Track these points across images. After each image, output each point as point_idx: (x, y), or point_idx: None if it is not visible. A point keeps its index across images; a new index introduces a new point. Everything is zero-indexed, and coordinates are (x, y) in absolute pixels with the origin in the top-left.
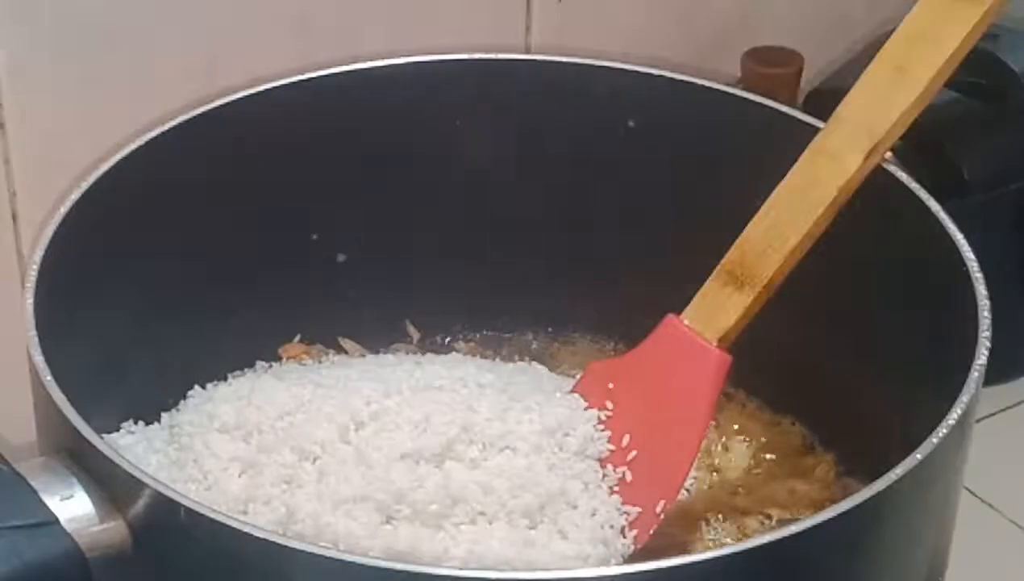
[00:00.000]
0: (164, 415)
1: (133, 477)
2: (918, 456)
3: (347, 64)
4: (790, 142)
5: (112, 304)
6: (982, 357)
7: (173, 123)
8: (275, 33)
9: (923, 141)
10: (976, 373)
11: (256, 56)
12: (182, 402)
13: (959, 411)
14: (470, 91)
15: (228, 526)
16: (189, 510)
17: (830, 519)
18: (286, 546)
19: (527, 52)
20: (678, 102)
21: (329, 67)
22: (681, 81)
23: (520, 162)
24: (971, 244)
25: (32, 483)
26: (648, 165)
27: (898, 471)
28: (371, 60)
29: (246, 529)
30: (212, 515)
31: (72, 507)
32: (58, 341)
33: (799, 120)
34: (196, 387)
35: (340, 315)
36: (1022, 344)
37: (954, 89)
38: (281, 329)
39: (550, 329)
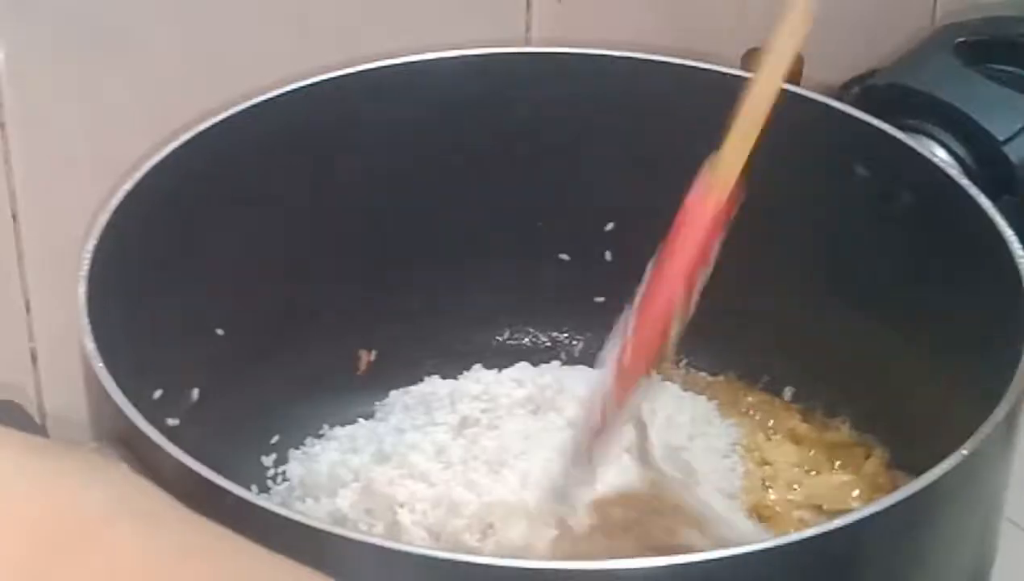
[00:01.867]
0: None
1: (183, 465)
2: (964, 452)
3: (360, 63)
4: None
5: (162, 299)
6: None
7: (224, 115)
8: (275, 32)
9: (976, 138)
10: (1022, 369)
11: (257, 55)
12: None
13: (1005, 408)
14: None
15: (278, 515)
16: (238, 498)
17: (876, 512)
18: (334, 534)
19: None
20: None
21: (331, 68)
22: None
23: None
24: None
25: None
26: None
27: (944, 466)
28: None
29: (295, 518)
30: (261, 503)
31: None
32: (108, 330)
33: (802, 96)
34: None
35: None
36: None
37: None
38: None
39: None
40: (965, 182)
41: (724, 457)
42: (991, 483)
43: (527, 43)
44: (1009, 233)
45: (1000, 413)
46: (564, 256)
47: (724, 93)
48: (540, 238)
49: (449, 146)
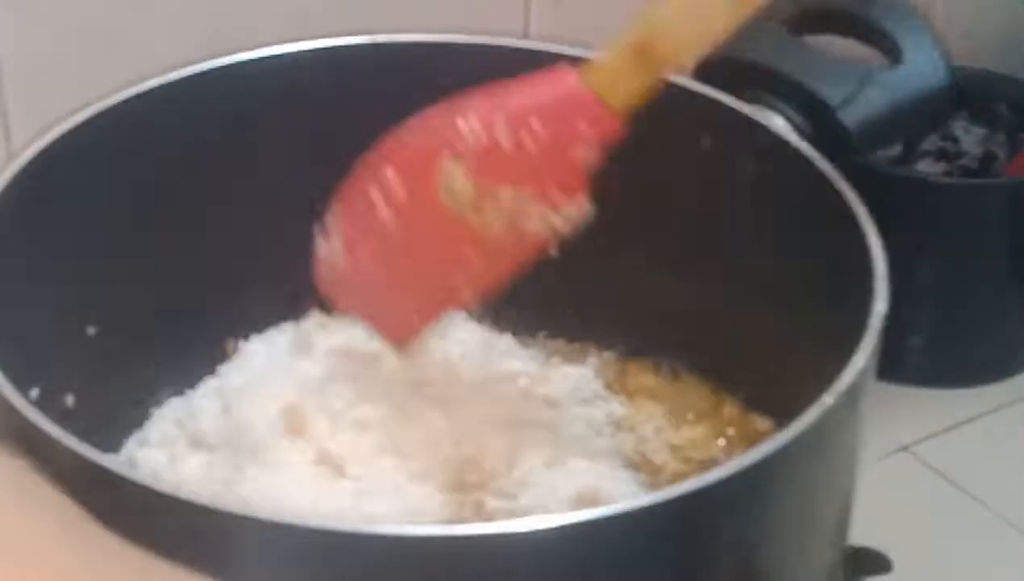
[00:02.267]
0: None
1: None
2: (828, 400)
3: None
4: None
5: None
6: (877, 316)
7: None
8: (276, 32)
9: (811, 105)
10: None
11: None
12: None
13: (862, 359)
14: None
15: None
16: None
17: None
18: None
19: None
20: None
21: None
22: None
23: None
24: (962, 242)
25: None
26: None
27: (809, 415)
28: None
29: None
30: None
31: None
32: None
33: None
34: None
35: None
36: (1015, 343)
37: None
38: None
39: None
40: (803, 146)
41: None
42: (848, 435)
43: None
44: (846, 189)
45: (858, 363)
46: None
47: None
48: None
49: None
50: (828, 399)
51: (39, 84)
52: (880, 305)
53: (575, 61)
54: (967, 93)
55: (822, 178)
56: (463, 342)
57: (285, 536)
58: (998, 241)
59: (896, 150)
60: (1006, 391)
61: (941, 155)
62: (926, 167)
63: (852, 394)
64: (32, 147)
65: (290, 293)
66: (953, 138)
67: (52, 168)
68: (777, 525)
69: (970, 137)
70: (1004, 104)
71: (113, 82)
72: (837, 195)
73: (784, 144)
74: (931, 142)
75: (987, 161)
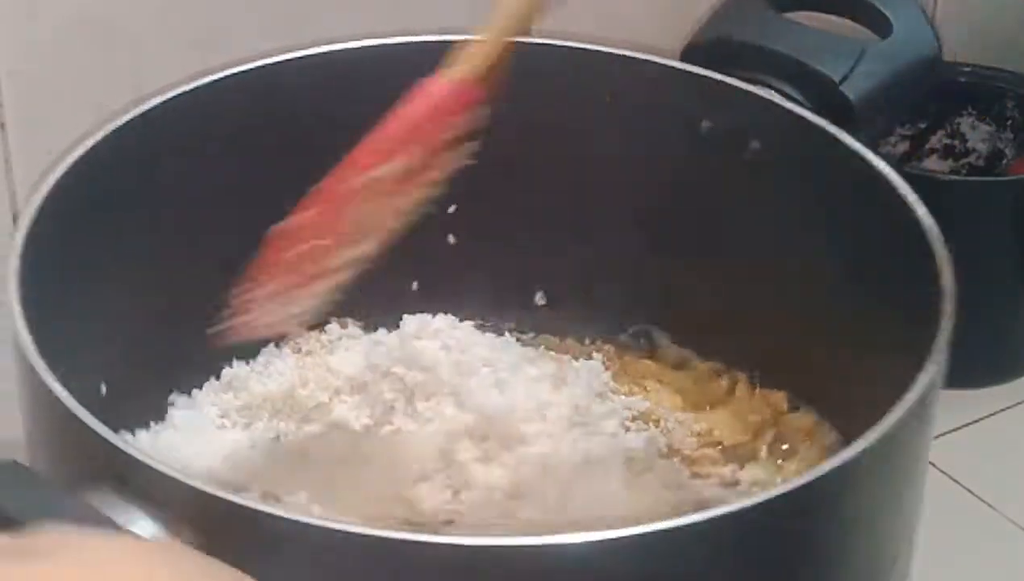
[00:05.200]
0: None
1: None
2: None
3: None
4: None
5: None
6: (944, 334)
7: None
8: (276, 32)
9: (812, 82)
10: (939, 349)
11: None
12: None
13: (915, 395)
14: None
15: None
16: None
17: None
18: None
19: None
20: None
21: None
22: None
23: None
24: (968, 240)
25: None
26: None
27: (842, 457)
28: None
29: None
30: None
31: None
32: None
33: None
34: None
35: None
36: (1020, 344)
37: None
38: None
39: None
40: (815, 118)
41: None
42: (898, 475)
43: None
44: (864, 150)
45: (911, 398)
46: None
47: (715, 93)
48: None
49: None
50: (898, 411)
51: (39, 84)
52: (949, 311)
53: (571, 55)
54: (974, 91)
55: (834, 143)
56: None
57: None
58: (1005, 239)
59: (903, 147)
60: (1013, 392)
61: (948, 152)
62: (933, 164)
63: (924, 403)
64: (81, 146)
65: None
66: (960, 136)
67: (100, 166)
68: (846, 536)
69: (977, 134)
70: (1011, 102)
71: (113, 82)
72: (853, 153)
73: (794, 117)
74: (938, 139)
75: (994, 159)
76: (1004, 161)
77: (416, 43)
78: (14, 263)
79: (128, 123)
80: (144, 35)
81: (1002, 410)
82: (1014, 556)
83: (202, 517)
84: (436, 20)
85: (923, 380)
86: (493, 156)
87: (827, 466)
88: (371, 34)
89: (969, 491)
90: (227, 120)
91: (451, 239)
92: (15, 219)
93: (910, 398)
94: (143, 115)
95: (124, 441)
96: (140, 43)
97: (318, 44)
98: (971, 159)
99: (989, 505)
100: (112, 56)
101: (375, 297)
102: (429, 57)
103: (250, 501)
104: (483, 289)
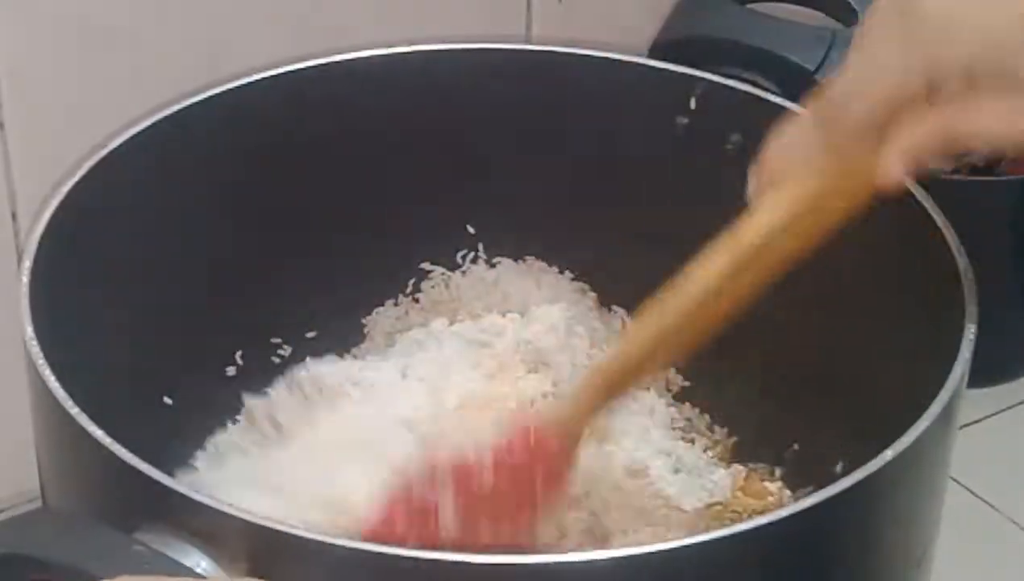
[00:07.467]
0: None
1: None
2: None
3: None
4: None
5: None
6: (966, 353)
7: (169, 110)
8: (276, 32)
9: (788, 73)
10: (959, 368)
11: (257, 54)
12: None
13: (937, 408)
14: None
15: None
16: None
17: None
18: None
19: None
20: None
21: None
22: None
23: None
24: (968, 240)
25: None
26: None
27: (860, 473)
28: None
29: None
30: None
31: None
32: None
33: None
34: None
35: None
36: (1021, 345)
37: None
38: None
39: None
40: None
41: None
42: (919, 486)
43: (527, 42)
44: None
45: (933, 412)
46: None
47: (719, 95)
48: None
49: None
50: (925, 420)
51: (39, 84)
52: (972, 319)
53: (574, 61)
54: None
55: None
56: None
57: None
58: (1004, 239)
59: None
60: (1013, 392)
61: None
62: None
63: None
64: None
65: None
66: None
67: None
68: (873, 546)
69: None
70: None
71: (113, 82)
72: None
73: (776, 109)
74: None
75: (993, 159)
76: (1003, 161)
77: (429, 52)
78: (24, 304)
79: (142, 132)
80: (144, 35)
81: (1002, 410)
82: (1014, 556)
83: (257, 550)
84: (453, 28)
85: (948, 388)
86: (468, 158)
87: (851, 479)
88: (385, 43)
89: (969, 491)
90: (241, 130)
91: None
92: (14, 218)
93: (935, 409)
94: (156, 124)
95: (172, 479)
96: (140, 43)
97: (334, 53)
98: (970, 159)
99: (989, 505)
100: (112, 56)
101: None
102: (443, 66)
103: (307, 532)
104: None
